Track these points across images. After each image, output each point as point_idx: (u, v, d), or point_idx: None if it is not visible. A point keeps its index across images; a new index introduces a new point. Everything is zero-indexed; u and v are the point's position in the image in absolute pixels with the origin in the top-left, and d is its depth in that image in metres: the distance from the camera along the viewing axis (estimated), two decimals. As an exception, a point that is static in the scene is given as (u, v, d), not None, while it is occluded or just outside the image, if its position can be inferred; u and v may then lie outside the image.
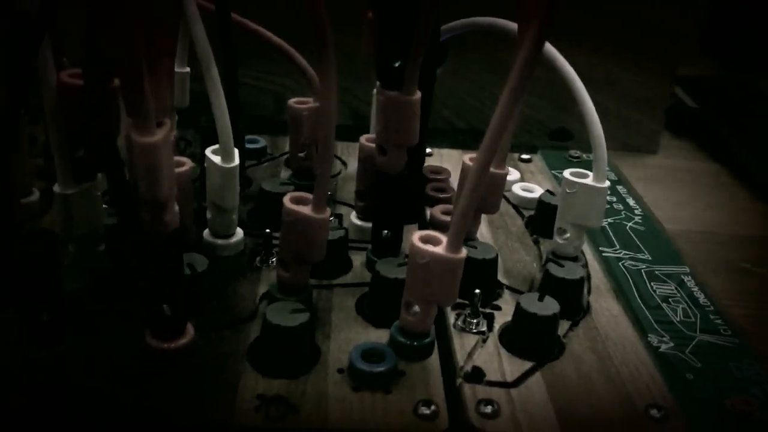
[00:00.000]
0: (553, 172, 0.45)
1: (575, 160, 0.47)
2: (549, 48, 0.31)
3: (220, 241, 0.33)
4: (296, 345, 0.27)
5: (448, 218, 0.36)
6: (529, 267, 0.35)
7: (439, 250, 0.26)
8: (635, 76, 0.57)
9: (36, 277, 0.24)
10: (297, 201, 0.28)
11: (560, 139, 0.59)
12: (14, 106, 0.25)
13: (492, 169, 0.31)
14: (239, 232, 0.34)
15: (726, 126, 0.61)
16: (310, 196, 0.28)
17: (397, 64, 0.28)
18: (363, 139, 0.34)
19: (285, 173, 0.41)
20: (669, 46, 0.56)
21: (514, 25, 0.30)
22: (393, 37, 0.28)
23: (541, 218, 0.38)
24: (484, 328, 0.30)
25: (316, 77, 0.37)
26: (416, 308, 0.27)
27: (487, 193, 0.32)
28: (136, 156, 0.22)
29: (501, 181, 0.32)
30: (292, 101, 0.38)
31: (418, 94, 0.29)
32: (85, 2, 0.22)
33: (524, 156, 0.46)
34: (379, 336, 0.29)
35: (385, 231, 0.32)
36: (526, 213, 0.40)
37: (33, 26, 0.23)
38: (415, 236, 0.26)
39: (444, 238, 0.26)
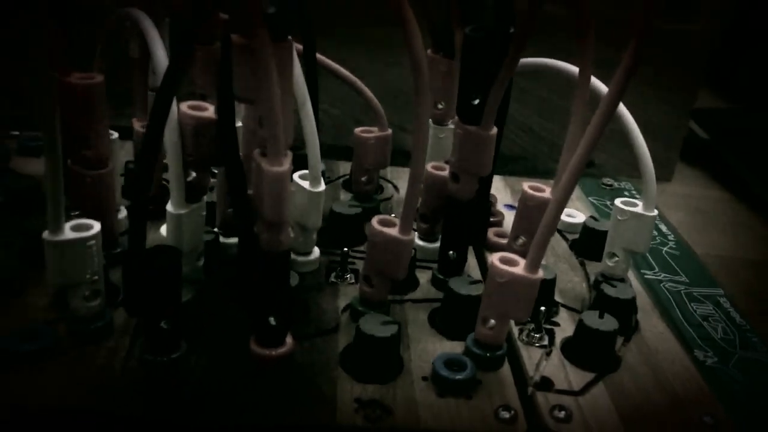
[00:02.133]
0: (589, 198, 0.48)
1: (608, 187, 0.50)
2: (596, 82, 0.34)
3: (300, 258, 0.36)
4: (387, 354, 0.29)
5: (501, 240, 0.39)
6: (578, 287, 0.38)
7: (518, 270, 0.29)
8: (655, 108, 0.61)
9: (161, 289, 0.27)
10: (383, 223, 0.31)
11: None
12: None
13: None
14: (316, 250, 0.36)
15: (737, 156, 0.65)
16: (394, 219, 0.31)
17: (476, 102, 0.31)
18: (429, 167, 0.37)
19: (344, 196, 0.44)
20: (688, 81, 0.60)
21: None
22: (475, 77, 0.31)
23: (585, 242, 0.41)
24: (546, 342, 0.33)
25: (381, 109, 0.40)
26: (492, 322, 0.30)
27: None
28: (266, 183, 0.25)
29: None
30: (358, 130, 0.41)
31: (495, 130, 0.32)
32: (222, 48, 0.25)
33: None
34: (453, 347, 0.32)
35: (452, 252, 0.35)
36: (569, 236, 0.43)
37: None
38: (495, 257, 0.29)
39: (520, 260, 0.29)
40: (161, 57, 0.29)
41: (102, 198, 0.33)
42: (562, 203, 0.27)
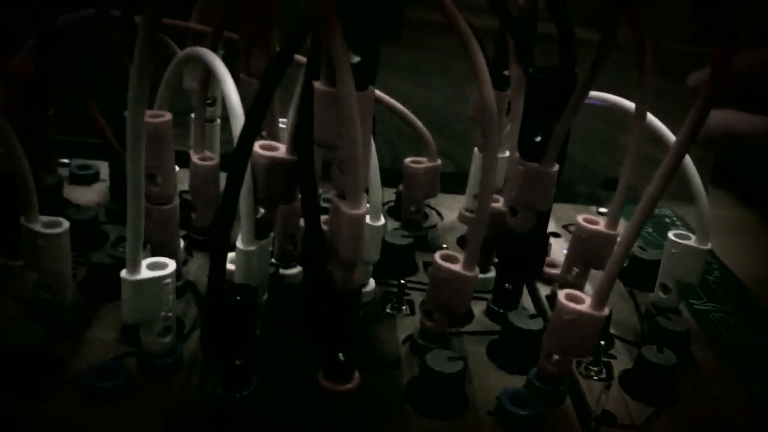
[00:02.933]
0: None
1: (648, 213, 0.51)
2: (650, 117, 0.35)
3: (357, 290, 0.36)
4: (454, 389, 0.30)
5: (552, 270, 0.40)
6: (630, 318, 0.38)
7: (584, 308, 0.29)
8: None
9: (238, 327, 0.27)
10: (447, 259, 0.31)
11: (614, 189, 0.63)
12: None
13: (610, 231, 0.35)
14: (372, 282, 0.37)
15: (762, 176, 0.65)
16: (458, 254, 0.31)
17: (538, 139, 0.32)
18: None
19: (390, 224, 0.45)
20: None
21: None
22: (538, 116, 0.31)
23: (634, 271, 0.41)
24: (604, 375, 0.33)
25: (431, 140, 0.41)
26: (556, 358, 0.31)
27: (604, 251, 0.35)
28: (345, 226, 0.26)
29: (615, 241, 0.36)
30: (408, 161, 0.41)
31: (556, 167, 0.32)
32: (303, 94, 0.26)
33: (602, 209, 0.50)
34: (514, 381, 0.32)
35: (508, 284, 0.36)
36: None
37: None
38: (561, 294, 0.30)
39: (586, 297, 0.30)
40: (234, 98, 0.30)
41: (166, 232, 0.33)
42: (633, 238, 0.28)
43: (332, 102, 0.25)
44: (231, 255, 0.36)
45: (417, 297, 0.37)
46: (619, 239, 0.29)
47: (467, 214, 0.46)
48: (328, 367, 0.29)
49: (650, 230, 0.49)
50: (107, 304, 0.34)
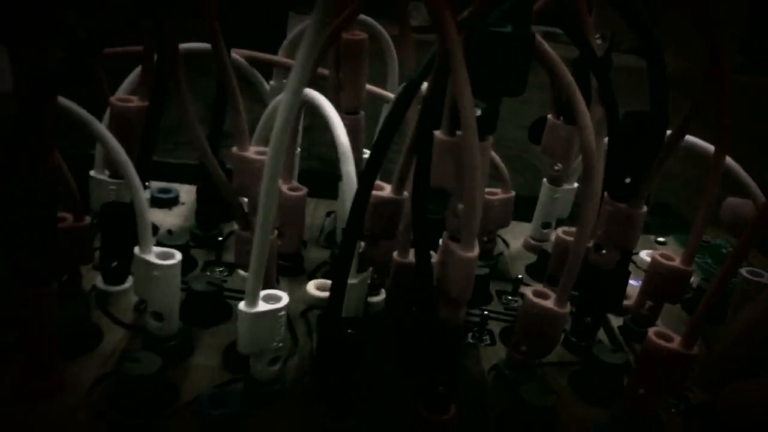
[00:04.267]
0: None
1: (704, 244, 0.52)
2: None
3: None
4: (548, 422, 0.31)
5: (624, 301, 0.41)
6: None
7: (675, 346, 0.30)
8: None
9: (351, 359, 0.29)
10: (539, 295, 0.33)
11: (663, 215, 0.64)
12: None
13: (686, 267, 0.36)
14: (454, 312, 0.38)
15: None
16: (549, 291, 0.33)
17: (627, 181, 0.33)
18: (560, 232, 0.39)
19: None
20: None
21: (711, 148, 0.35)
22: (629, 158, 0.33)
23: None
24: (682, 407, 0.34)
25: (505, 171, 0.42)
26: (642, 392, 0.32)
27: (680, 286, 0.37)
28: (457, 267, 0.27)
29: (689, 277, 0.37)
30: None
31: (645, 208, 0.34)
32: (421, 142, 0.27)
33: (660, 239, 0.51)
34: (599, 414, 0.33)
35: (588, 318, 0.37)
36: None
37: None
38: (651, 332, 0.31)
39: (675, 336, 0.31)
40: (345, 140, 0.31)
41: (268, 262, 0.35)
42: (728, 279, 0.29)
43: (451, 151, 0.26)
44: (318, 282, 0.37)
45: (494, 326, 0.39)
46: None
47: (533, 242, 0.48)
48: (429, 398, 0.30)
49: (708, 260, 0.50)
50: (206, 330, 0.35)
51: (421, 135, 0.28)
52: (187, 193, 0.48)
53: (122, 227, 0.34)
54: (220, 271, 0.40)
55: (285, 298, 0.30)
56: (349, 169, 0.31)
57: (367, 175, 0.28)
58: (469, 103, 0.24)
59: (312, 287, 0.38)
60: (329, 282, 0.39)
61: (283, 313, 0.30)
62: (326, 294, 0.37)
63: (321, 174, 0.45)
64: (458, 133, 0.26)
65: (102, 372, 0.31)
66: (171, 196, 0.47)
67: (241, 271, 0.39)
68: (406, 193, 0.32)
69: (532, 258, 0.46)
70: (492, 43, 0.24)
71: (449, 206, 0.28)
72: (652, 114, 0.32)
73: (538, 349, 0.34)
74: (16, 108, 0.25)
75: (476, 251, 0.27)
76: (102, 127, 0.30)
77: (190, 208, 0.46)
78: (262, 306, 0.29)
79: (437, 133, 0.26)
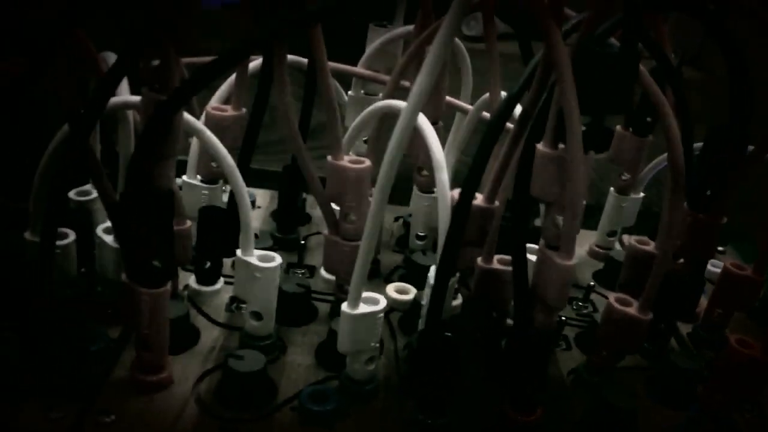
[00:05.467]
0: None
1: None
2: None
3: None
4: (632, 424, 0.32)
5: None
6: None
7: (755, 353, 0.31)
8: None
9: (450, 361, 0.30)
10: (622, 302, 0.34)
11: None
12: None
13: (758, 277, 0.37)
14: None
15: None
16: (631, 299, 0.34)
17: (708, 192, 0.34)
18: (633, 240, 0.40)
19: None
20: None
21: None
22: (713, 171, 0.34)
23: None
24: (755, 412, 0.35)
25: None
26: (721, 398, 0.33)
27: (751, 296, 0.38)
28: (556, 274, 0.28)
29: (761, 286, 0.38)
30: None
31: (725, 219, 0.35)
32: (523, 155, 0.29)
33: (719, 248, 0.52)
34: (675, 415, 0.34)
35: (663, 324, 0.38)
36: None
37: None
38: (732, 339, 0.32)
39: (755, 343, 0.32)
40: (439, 150, 0.32)
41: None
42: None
43: (552, 162, 0.27)
44: (397, 285, 0.39)
45: (568, 331, 0.40)
46: None
47: (599, 250, 0.49)
48: (517, 399, 0.32)
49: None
50: (296, 329, 0.37)
51: (525, 148, 0.29)
52: (262, 197, 0.49)
53: (217, 230, 0.36)
54: (302, 274, 0.42)
55: (383, 301, 0.31)
56: (443, 177, 0.32)
57: (469, 185, 0.29)
58: (576, 118, 0.26)
59: (392, 290, 0.40)
60: (407, 285, 0.40)
61: (381, 315, 0.31)
62: (406, 297, 0.39)
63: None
64: (560, 146, 0.28)
65: (204, 368, 0.33)
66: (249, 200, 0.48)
67: (323, 273, 0.40)
68: (497, 203, 0.33)
69: (598, 265, 0.47)
70: (600, 62, 0.26)
71: (546, 216, 0.29)
72: (734, 127, 0.33)
73: (619, 354, 0.35)
74: (143, 120, 0.27)
75: (575, 259, 0.28)
76: (211, 135, 0.32)
77: (267, 211, 0.48)
78: (363, 308, 0.31)
79: (539, 145, 0.28)
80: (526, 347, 0.30)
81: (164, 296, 0.30)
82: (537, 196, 0.28)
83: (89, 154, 0.28)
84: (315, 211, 0.48)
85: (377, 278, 0.43)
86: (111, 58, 0.31)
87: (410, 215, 0.45)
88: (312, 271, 0.42)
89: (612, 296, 0.34)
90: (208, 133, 0.32)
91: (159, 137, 0.27)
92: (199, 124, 0.32)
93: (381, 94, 0.45)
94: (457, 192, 0.32)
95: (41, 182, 0.32)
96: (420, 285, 0.39)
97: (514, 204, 0.30)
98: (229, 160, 0.32)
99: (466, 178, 0.29)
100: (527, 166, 0.29)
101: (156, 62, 0.27)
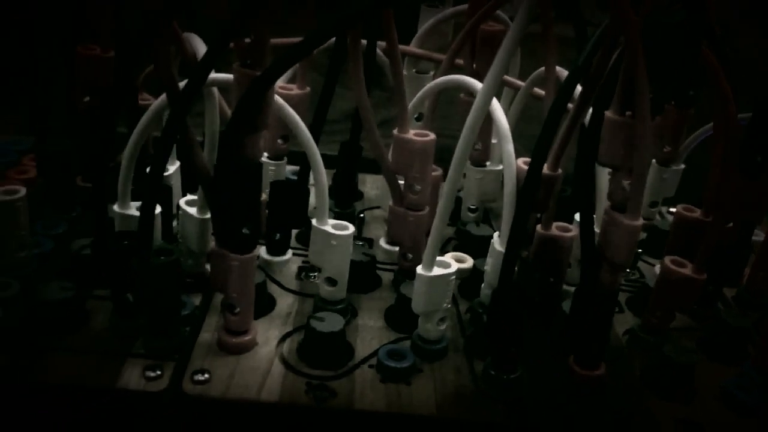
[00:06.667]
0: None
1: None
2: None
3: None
4: (690, 378, 0.34)
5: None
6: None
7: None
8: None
9: (518, 321, 0.32)
10: (677, 264, 0.36)
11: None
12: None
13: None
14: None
15: None
16: (685, 261, 0.36)
17: (759, 159, 0.36)
18: (681, 208, 0.42)
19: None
20: None
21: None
22: (763, 139, 0.36)
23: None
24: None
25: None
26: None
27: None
28: (624, 234, 0.30)
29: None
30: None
31: (774, 185, 0.36)
32: (592, 121, 0.30)
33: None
34: (728, 370, 0.36)
35: (711, 287, 0.40)
36: None
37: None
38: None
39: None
40: (505, 123, 0.34)
41: (418, 234, 0.38)
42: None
43: (621, 129, 0.29)
44: (453, 254, 0.41)
45: (620, 297, 0.42)
46: None
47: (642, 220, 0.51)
48: (584, 355, 0.33)
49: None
50: (363, 296, 0.39)
51: (594, 114, 0.30)
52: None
53: (287, 203, 0.38)
54: (361, 245, 0.44)
55: (455, 265, 0.33)
56: (509, 148, 0.34)
57: (539, 153, 0.31)
58: (645, 87, 0.27)
59: (449, 258, 0.42)
60: (464, 255, 0.42)
61: (453, 277, 0.33)
62: (464, 265, 0.41)
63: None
64: (627, 113, 0.29)
65: (283, 331, 0.35)
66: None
67: (382, 244, 0.42)
68: (560, 170, 0.35)
69: (641, 235, 0.49)
70: (667, 33, 0.27)
71: (613, 181, 0.31)
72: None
73: (672, 314, 0.37)
74: (235, 95, 0.29)
75: (641, 221, 0.30)
76: (291, 111, 0.34)
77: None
78: (437, 270, 0.33)
79: (608, 112, 0.30)
80: (594, 305, 0.32)
81: (252, 261, 0.32)
82: (604, 162, 0.30)
83: (189, 130, 0.30)
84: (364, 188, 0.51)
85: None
86: (194, 39, 0.33)
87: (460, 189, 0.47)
88: (371, 243, 0.44)
89: (667, 259, 0.36)
90: (289, 108, 0.34)
91: (253, 110, 0.29)
92: (281, 100, 0.33)
93: (432, 73, 0.47)
94: (521, 161, 0.34)
95: (130, 159, 0.34)
96: (474, 255, 0.41)
97: (580, 171, 0.31)
98: (308, 134, 0.34)
99: (536, 147, 0.31)
100: (595, 133, 0.30)
101: (247, 40, 0.28)
